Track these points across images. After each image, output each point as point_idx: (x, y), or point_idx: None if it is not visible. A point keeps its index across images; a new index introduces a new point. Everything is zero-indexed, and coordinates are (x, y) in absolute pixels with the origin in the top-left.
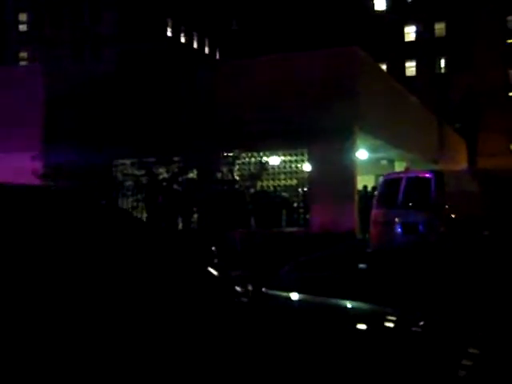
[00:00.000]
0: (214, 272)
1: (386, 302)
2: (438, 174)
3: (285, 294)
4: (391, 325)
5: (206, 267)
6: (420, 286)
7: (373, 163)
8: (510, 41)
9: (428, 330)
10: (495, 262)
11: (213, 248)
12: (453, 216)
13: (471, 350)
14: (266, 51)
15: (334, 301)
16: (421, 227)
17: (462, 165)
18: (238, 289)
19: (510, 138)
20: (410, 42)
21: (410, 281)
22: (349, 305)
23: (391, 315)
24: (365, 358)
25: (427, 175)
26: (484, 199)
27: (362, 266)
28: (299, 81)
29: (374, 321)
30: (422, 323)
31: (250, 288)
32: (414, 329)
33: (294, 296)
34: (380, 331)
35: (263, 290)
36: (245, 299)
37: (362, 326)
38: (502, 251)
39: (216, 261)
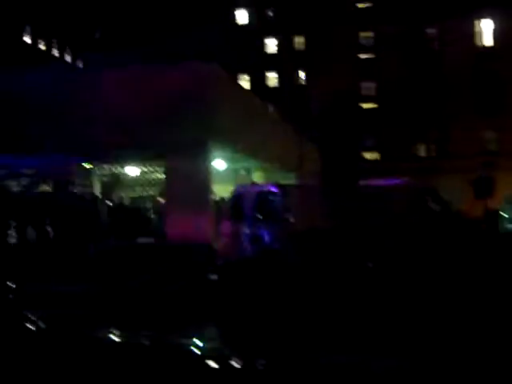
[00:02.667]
0: None
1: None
2: (282, 188)
3: None
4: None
5: None
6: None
7: (231, 173)
8: (362, 55)
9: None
10: (348, 274)
11: None
12: (298, 228)
13: None
14: (127, 62)
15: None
16: (267, 239)
17: (317, 173)
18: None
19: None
20: (272, 54)
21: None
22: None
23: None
24: None
25: (272, 189)
26: (330, 212)
27: (212, 276)
28: (156, 94)
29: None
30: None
31: None
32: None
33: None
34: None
35: None
36: None
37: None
38: (350, 262)
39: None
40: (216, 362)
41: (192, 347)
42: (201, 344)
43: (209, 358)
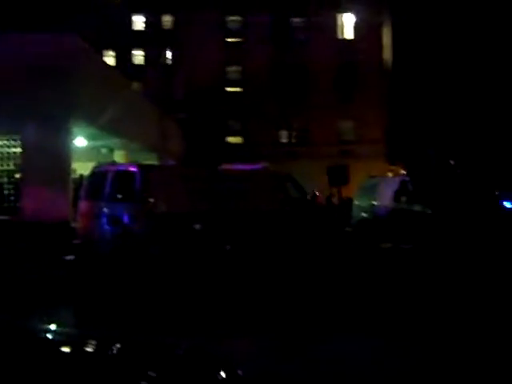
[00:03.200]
0: None
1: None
2: (143, 168)
3: None
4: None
5: None
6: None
7: (93, 151)
8: (229, 39)
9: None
10: (206, 256)
11: None
12: (159, 210)
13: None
14: None
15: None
16: (126, 220)
17: (180, 155)
18: None
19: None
20: (139, 32)
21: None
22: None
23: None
24: None
25: (133, 169)
26: (189, 194)
27: (68, 257)
28: (13, 64)
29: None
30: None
31: None
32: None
33: None
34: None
35: None
36: None
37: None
38: (211, 245)
39: None
40: (69, 347)
41: (44, 332)
42: (53, 328)
43: (62, 343)
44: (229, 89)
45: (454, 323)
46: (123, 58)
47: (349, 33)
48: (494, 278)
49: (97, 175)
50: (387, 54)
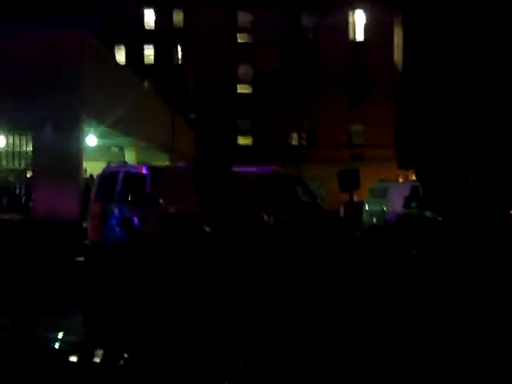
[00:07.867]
0: None
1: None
2: (154, 170)
3: None
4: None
5: None
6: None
7: (103, 149)
8: (239, 41)
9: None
10: (212, 259)
11: None
12: (169, 212)
13: None
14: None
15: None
16: (136, 222)
17: (191, 155)
18: None
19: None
20: (149, 29)
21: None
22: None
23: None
24: None
25: (143, 171)
26: (200, 196)
27: (79, 258)
28: (25, 62)
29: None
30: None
31: None
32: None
33: None
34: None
35: None
36: None
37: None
38: (222, 248)
39: None
40: (76, 357)
41: (52, 340)
42: (61, 336)
43: (69, 353)
44: (239, 89)
45: (458, 329)
46: (134, 55)
47: (360, 34)
48: (500, 285)
49: (107, 176)
50: (398, 55)
